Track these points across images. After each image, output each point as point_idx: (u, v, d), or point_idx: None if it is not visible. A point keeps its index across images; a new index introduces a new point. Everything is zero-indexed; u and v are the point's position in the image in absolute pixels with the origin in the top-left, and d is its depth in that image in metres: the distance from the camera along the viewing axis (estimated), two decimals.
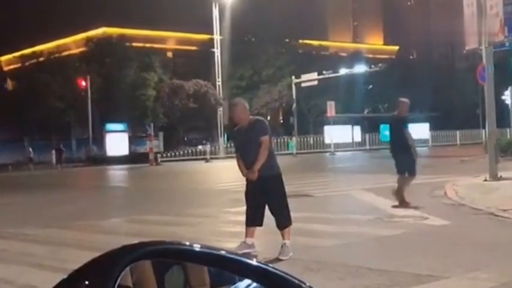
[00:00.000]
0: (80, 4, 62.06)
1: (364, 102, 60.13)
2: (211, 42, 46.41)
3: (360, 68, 51.70)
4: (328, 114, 44.61)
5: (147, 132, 41.90)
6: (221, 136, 44.27)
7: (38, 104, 44.98)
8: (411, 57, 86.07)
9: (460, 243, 7.69)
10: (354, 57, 59.93)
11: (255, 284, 1.44)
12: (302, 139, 47.36)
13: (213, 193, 16.71)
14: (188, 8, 56.09)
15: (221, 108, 45.52)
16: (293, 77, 49.89)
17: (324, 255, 7.17)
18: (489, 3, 14.83)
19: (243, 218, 7.56)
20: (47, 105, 45.45)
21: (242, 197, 7.70)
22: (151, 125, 41.82)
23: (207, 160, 38.73)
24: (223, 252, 1.51)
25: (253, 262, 1.49)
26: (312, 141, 47.75)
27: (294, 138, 45.90)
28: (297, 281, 1.45)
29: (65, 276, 1.38)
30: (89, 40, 51.40)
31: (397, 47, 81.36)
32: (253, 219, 7.34)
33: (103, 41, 49.76)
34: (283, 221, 7.26)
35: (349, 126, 49.88)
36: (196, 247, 1.48)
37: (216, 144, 44.69)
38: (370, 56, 66.96)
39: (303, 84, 49.50)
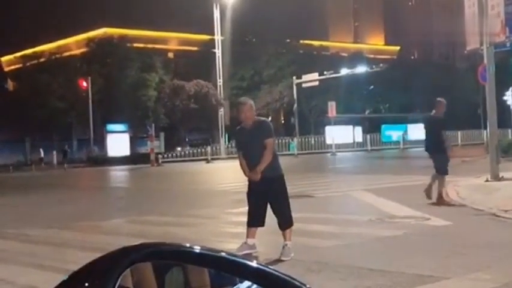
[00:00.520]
0: (81, 4, 62.15)
1: (365, 103, 60.14)
2: (212, 43, 46.43)
3: (361, 69, 51.72)
4: (329, 115, 44.60)
5: (148, 133, 41.93)
6: (222, 137, 44.28)
7: (39, 104, 44.99)
8: (412, 57, 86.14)
9: (462, 244, 7.68)
10: (355, 57, 59.94)
11: (255, 286, 1.44)
12: (303, 139, 47.35)
13: (214, 194, 16.71)
14: (189, 9, 56.14)
15: (222, 109, 45.53)
16: (294, 78, 49.91)
17: (325, 255, 7.16)
18: (490, 3, 14.82)
19: (245, 218, 7.55)
20: (48, 105, 45.47)
21: (243, 197, 7.70)
22: (153, 125, 41.83)
23: (208, 161, 38.74)
24: (223, 254, 1.50)
25: (253, 264, 1.49)
26: (313, 142, 47.74)
27: (295, 139, 45.89)
28: (297, 283, 1.45)
29: (65, 277, 1.38)
30: (90, 40, 51.44)
31: (398, 47, 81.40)
32: (255, 220, 7.34)
33: (104, 42, 49.79)
34: (285, 222, 7.26)
35: (350, 127, 49.85)
36: (197, 249, 1.48)
37: (217, 144, 44.70)
38: (371, 56, 67.00)
39: (304, 85, 49.51)
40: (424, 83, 55.74)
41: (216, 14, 45.28)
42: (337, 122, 46.02)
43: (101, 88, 46.34)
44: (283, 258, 6.99)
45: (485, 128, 18.28)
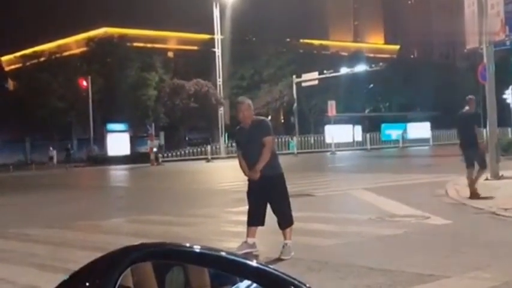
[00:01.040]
0: (81, 4, 62.13)
1: (365, 102, 60.14)
2: (212, 42, 46.41)
3: (361, 68, 51.69)
4: (329, 114, 44.62)
5: (148, 132, 41.93)
6: (222, 136, 44.28)
7: (39, 104, 45.00)
8: (412, 56, 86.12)
9: (462, 243, 7.69)
10: (355, 56, 59.93)
11: (255, 285, 1.44)
12: (303, 139, 47.35)
13: (215, 193, 16.71)
14: (189, 8, 56.11)
15: (222, 108, 45.52)
16: (294, 77, 49.90)
17: (325, 254, 7.17)
18: (490, 2, 14.81)
19: (245, 218, 7.56)
20: (48, 105, 45.47)
21: (243, 196, 7.70)
22: (153, 124, 41.82)
23: (208, 160, 38.74)
24: (223, 254, 1.51)
25: (253, 263, 1.49)
26: (312, 141, 47.73)
27: (294, 138, 45.89)
28: (297, 282, 1.45)
29: (66, 277, 1.38)
30: (90, 40, 51.43)
31: (397, 46, 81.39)
32: (255, 219, 7.34)
33: (104, 41, 49.78)
34: (285, 221, 7.27)
35: (350, 126, 49.84)
36: (197, 248, 1.48)
37: (217, 144, 44.69)
38: (371, 55, 66.99)
39: (303, 84, 49.51)
40: (423, 82, 55.75)
41: (216, 13, 45.27)
42: (337, 121, 46.03)
43: (101, 87, 46.33)
44: (283, 257, 7.00)
45: (485, 126, 18.24)
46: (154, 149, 38.48)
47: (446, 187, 13.54)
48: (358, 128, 50.78)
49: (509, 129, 32.11)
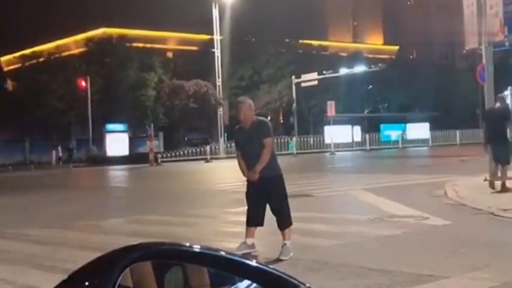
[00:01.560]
0: (80, 4, 62.07)
1: (364, 102, 60.15)
2: (211, 43, 46.41)
3: (360, 68, 51.71)
4: (328, 114, 44.63)
5: (147, 133, 41.93)
6: (221, 136, 44.27)
7: (38, 104, 44.97)
8: (411, 57, 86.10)
9: (460, 243, 7.69)
10: (354, 57, 59.94)
11: (254, 285, 1.45)
12: (302, 139, 47.36)
13: (214, 193, 16.71)
14: (188, 8, 56.05)
15: (221, 108, 45.52)
16: (293, 77, 49.91)
17: (325, 255, 7.17)
18: (489, 2, 14.81)
19: (244, 218, 7.56)
20: (47, 105, 45.44)
21: (243, 197, 7.70)
22: (152, 125, 41.84)
23: (207, 160, 38.74)
24: (223, 253, 1.51)
25: (253, 263, 1.50)
26: (312, 141, 47.74)
27: (294, 138, 45.91)
28: (296, 282, 1.45)
29: (65, 277, 1.38)
30: (89, 40, 51.41)
31: (397, 47, 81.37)
32: (254, 219, 7.34)
33: (103, 41, 49.76)
34: (284, 221, 7.27)
35: (349, 126, 49.86)
36: (196, 248, 1.48)
37: (216, 144, 44.68)
38: (370, 55, 66.97)
39: (303, 84, 49.52)
40: (422, 83, 55.78)
41: (215, 13, 45.27)
42: (336, 122, 46.04)
43: (100, 88, 46.32)
44: (282, 258, 7.00)
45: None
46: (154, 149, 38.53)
47: (445, 188, 13.54)
48: (358, 129, 50.81)
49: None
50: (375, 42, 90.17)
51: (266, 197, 7.28)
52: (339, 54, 62.94)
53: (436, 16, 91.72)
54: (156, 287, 1.42)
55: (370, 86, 58.42)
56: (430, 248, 7.58)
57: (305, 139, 47.67)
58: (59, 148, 45.51)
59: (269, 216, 7.39)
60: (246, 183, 7.54)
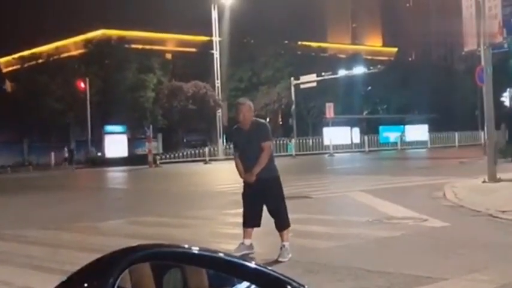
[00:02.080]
0: (78, 6, 62.06)
1: (363, 104, 60.17)
2: (210, 44, 46.41)
3: (359, 70, 51.74)
4: (327, 116, 44.64)
5: (146, 134, 41.90)
6: (220, 138, 44.26)
7: (37, 105, 44.94)
8: (410, 58, 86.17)
9: (459, 245, 7.69)
10: (353, 58, 59.96)
11: (253, 287, 1.45)
12: (301, 140, 47.36)
13: (212, 195, 16.71)
14: (187, 10, 56.07)
15: (220, 110, 45.52)
16: (292, 79, 49.92)
17: (323, 257, 7.17)
18: (488, 4, 14.84)
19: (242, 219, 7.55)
20: (46, 106, 45.40)
21: (241, 198, 7.69)
22: (150, 126, 41.82)
23: (206, 162, 38.73)
24: (221, 255, 1.51)
25: (251, 264, 1.50)
26: (311, 143, 47.73)
27: (293, 140, 45.91)
28: (295, 283, 1.45)
29: (64, 278, 1.38)
30: (88, 42, 51.39)
31: (396, 49, 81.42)
32: (251, 220, 7.32)
33: (102, 43, 49.74)
34: (282, 223, 7.27)
35: (348, 128, 49.89)
36: (195, 249, 1.48)
37: (215, 145, 44.68)
38: (369, 57, 66.99)
39: (302, 86, 49.53)
40: (421, 85, 55.81)
41: (214, 15, 45.28)
42: (335, 123, 46.07)
43: (99, 89, 46.30)
44: (281, 259, 7.00)
45: (483, 129, 18.28)
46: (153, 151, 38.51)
47: (444, 189, 13.55)
48: (356, 130, 50.85)
49: (507, 131, 32.09)
50: (373, 44, 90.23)
51: (263, 198, 7.27)
52: (338, 55, 62.97)
53: (435, 18, 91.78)
54: None
55: (369, 88, 58.45)
56: (429, 250, 7.58)
57: (304, 141, 47.67)
58: (66, 149, 45.39)
59: (267, 217, 7.39)
60: (242, 184, 7.54)
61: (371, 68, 52.49)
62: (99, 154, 44.55)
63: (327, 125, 45.71)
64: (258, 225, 7.35)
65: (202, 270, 1.47)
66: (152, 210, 13.12)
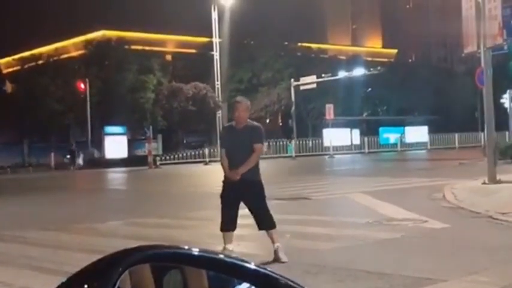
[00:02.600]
0: (79, 7, 62.13)
1: (363, 105, 60.19)
2: (210, 45, 46.40)
3: (359, 71, 51.74)
4: (327, 117, 44.63)
5: (146, 135, 41.89)
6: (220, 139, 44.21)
7: (37, 106, 44.93)
8: (410, 60, 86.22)
9: (459, 247, 7.69)
10: (353, 60, 59.97)
11: None
12: (301, 142, 47.36)
13: (212, 196, 16.58)
14: (187, 11, 56.14)
15: (220, 111, 45.52)
16: (292, 80, 49.93)
17: (323, 258, 7.16)
18: (488, 6, 14.84)
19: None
20: (46, 107, 45.40)
21: (220, 201, 7.53)
22: (150, 127, 41.78)
23: (206, 163, 38.72)
24: (221, 256, 1.51)
25: (252, 266, 1.49)
26: (310, 144, 47.75)
27: (292, 141, 45.91)
28: (295, 285, 1.45)
29: (63, 279, 1.38)
30: (88, 43, 51.39)
31: (395, 50, 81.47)
32: (229, 224, 7.24)
33: (102, 44, 49.74)
34: (267, 221, 7.17)
35: (347, 129, 49.92)
36: (195, 251, 1.48)
37: (214, 147, 44.67)
38: (369, 59, 67.02)
39: (302, 87, 49.54)
40: (421, 86, 55.87)
41: (214, 16, 45.28)
42: (335, 125, 46.06)
43: (99, 90, 46.29)
44: (283, 260, 6.95)
45: (483, 130, 18.27)
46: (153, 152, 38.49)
47: (443, 191, 13.55)
48: (356, 132, 50.87)
49: (507, 133, 32.13)
50: (373, 45, 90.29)
51: (242, 198, 7.19)
52: (338, 57, 62.98)
53: (434, 19, 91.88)
54: None
55: (369, 89, 58.48)
56: (429, 252, 7.57)
57: (304, 142, 47.67)
58: (73, 147, 45.04)
59: None
60: (223, 184, 7.44)
61: (371, 69, 52.48)
62: (96, 155, 44.41)
63: (327, 127, 45.71)
64: (234, 228, 7.27)
65: (202, 271, 1.47)
66: (152, 212, 13.12)
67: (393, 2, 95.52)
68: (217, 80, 45.53)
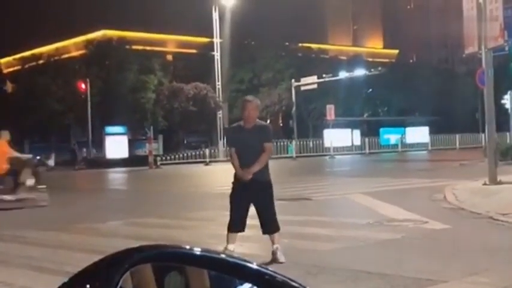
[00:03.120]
0: (79, 7, 62.15)
1: (363, 106, 60.20)
2: (211, 45, 46.42)
3: (360, 72, 51.73)
4: (328, 118, 44.62)
5: (146, 135, 41.89)
6: (221, 139, 44.24)
7: (38, 106, 44.94)
8: (411, 61, 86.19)
9: (460, 247, 7.69)
10: (354, 60, 59.97)
11: None
12: (301, 142, 47.35)
13: (212, 196, 16.68)
14: (188, 11, 56.18)
15: (221, 111, 45.53)
16: (293, 81, 49.91)
17: (323, 259, 7.16)
18: (489, 7, 14.84)
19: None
20: (46, 107, 45.41)
21: (229, 201, 7.52)
22: (151, 127, 41.75)
23: (206, 163, 38.73)
24: (223, 256, 1.51)
25: (254, 266, 1.49)
26: (311, 145, 47.73)
27: (293, 142, 45.89)
28: (297, 285, 1.45)
29: (65, 280, 1.38)
30: (88, 43, 51.41)
31: (396, 51, 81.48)
32: (237, 225, 7.20)
33: (103, 44, 49.75)
34: (272, 224, 7.16)
35: (348, 130, 49.88)
36: (197, 250, 1.48)
37: (215, 147, 44.68)
38: (370, 59, 67.04)
39: (302, 88, 49.52)
40: (422, 87, 55.85)
41: (215, 16, 45.30)
42: (336, 125, 46.04)
43: (99, 90, 46.29)
44: (281, 261, 6.95)
45: (484, 131, 18.29)
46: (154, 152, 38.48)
47: (444, 192, 13.54)
48: (357, 132, 50.83)
49: (508, 134, 32.13)
50: (374, 46, 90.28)
51: (252, 199, 7.17)
52: (339, 57, 62.98)
53: (435, 20, 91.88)
54: None
55: (370, 90, 58.48)
56: (429, 252, 7.57)
57: (304, 142, 47.66)
58: (84, 149, 44.87)
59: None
60: (232, 185, 7.41)
61: (372, 70, 52.48)
62: (95, 155, 44.35)
63: (328, 127, 45.69)
64: (243, 230, 7.24)
65: (204, 271, 1.46)
66: (152, 212, 13.11)
67: (394, 3, 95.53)
68: (218, 81, 45.54)
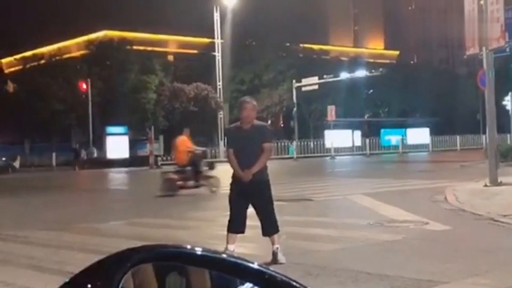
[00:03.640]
0: (81, 7, 62.18)
1: (364, 107, 60.21)
2: (212, 46, 46.45)
3: (361, 73, 51.74)
4: (329, 119, 44.63)
5: (147, 135, 41.91)
6: (221, 140, 44.25)
7: (39, 106, 44.98)
8: (412, 62, 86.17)
9: (460, 249, 7.69)
10: (355, 61, 59.99)
11: None
12: (302, 143, 47.36)
13: (212, 196, 16.69)
14: (189, 12, 56.17)
15: (221, 112, 45.54)
16: (294, 81, 49.92)
17: (324, 259, 7.16)
18: (490, 8, 14.84)
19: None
20: (47, 107, 45.45)
21: (228, 201, 7.49)
22: (152, 128, 41.76)
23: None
24: (224, 256, 1.51)
25: (255, 265, 1.50)
26: (312, 145, 47.74)
27: (294, 142, 45.90)
28: (298, 285, 1.45)
29: (66, 279, 1.38)
30: (90, 43, 51.46)
31: (397, 52, 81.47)
32: (237, 225, 7.18)
33: (104, 44, 49.80)
34: (272, 225, 7.14)
35: (349, 131, 49.90)
36: (198, 250, 1.49)
37: (216, 147, 44.68)
38: (371, 60, 67.06)
39: (303, 88, 49.53)
40: (423, 88, 55.84)
41: (216, 17, 45.33)
42: (337, 126, 46.06)
43: (100, 90, 46.34)
44: (281, 261, 6.95)
45: (484, 132, 18.30)
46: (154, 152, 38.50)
47: (445, 193, 13.53)
48: (358, 133, 50.84)
49: (508, 135, 32.12)
50: (375, 46, 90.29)
51: (251, 200, 7.16)
52: (340, 58, 62.98)
53: (437, 21, 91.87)
54: None
55: (371, 91, 58.47)
56: (430, 253, 7.57)
57: (305, 143, 47.67)
58: (77, 147, 44.83)
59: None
60: (230, 186, 7.41)
61: (373, 71, 52.49)
62: (95, 155, 44.34)
63: (329, 128, 45.71)
64: (243, 231, 7.22)
65: (205, 271, 1.47)
66: (153, 212, 13.12)
67: (395, 4, 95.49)
68: (219, 81, 45.57)
